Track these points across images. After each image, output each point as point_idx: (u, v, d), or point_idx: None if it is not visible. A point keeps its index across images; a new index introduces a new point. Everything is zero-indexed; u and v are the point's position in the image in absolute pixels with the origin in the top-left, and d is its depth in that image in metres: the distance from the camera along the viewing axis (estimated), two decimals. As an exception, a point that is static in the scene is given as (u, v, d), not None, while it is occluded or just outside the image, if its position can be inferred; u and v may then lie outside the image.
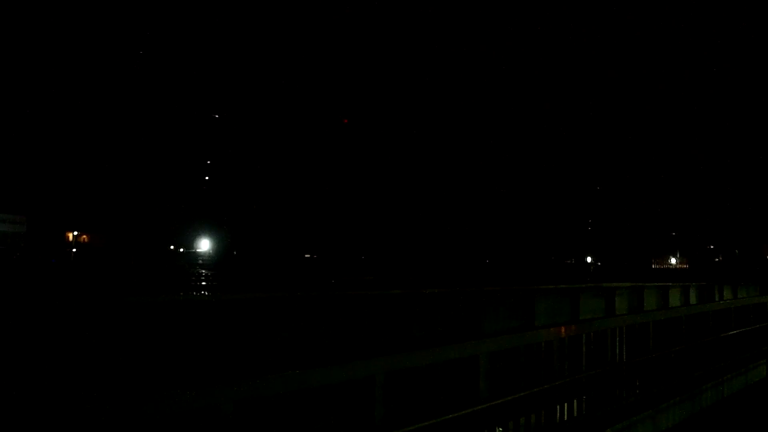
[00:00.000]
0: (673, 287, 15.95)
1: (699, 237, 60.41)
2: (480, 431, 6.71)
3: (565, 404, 8.56)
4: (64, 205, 49.50)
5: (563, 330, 9.00)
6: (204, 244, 64.45)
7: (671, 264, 70.16)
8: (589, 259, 66.52)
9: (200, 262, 54.54)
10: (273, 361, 5.15)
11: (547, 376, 8.23)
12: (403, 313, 6.75)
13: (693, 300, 16.72)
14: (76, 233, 57.37)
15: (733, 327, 13.87)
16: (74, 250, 52.64)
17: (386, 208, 46.25)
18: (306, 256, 55.99)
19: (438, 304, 7.36)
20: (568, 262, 69.26)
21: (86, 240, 58.69)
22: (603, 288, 12.78)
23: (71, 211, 51.15)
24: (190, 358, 4.76)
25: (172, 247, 60.75)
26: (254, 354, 5.13)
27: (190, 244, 63.47)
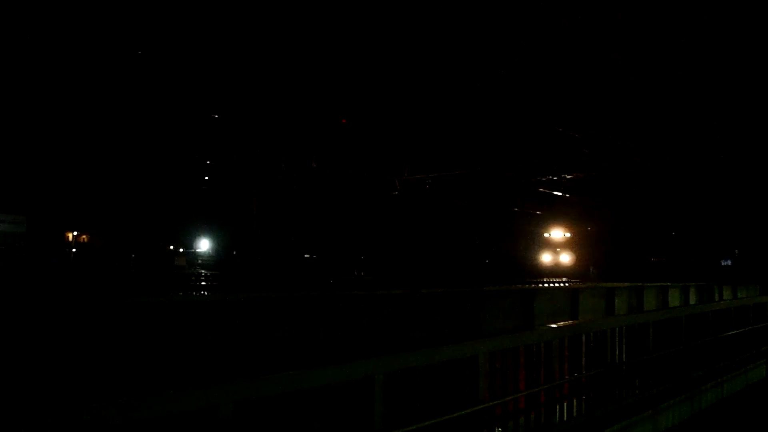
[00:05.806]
0: (672, 287, 15.97)
1: (699, 237, 60.45)
2: (480, 431, 6.71)
3: (565, 404, 8.57)
4: (64, 205, 49.48)
5: (563, 330, 9.01)
6: (204, 244, 64.58)
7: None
8: (588, 259, 66.48)
9: (200, 262, 54.59)
10: (275, 362, 5.16)
11: (547, 376, 8.24)
12: (403, 313, 6.76)
13: (693, 300, 16.75)
14: (76, 233, 57.43)
15: (733, 327, 13.87)
16: (74, 250, 52.68)
17: (386, 209, 46.25)
18: (306, 256, 56.06)
19: (438, 304, 7.37)
20: (568, 262, 69.24)
21: (86, 240, 58.80)
22: (603, 288, 12.81)
23: (71, 211, 51.14)
24: (191, 359, 4.77)
25: (172, 247, 60.83)
26: (256, 354, 5.14)
27: (190, 244, 63.57)
